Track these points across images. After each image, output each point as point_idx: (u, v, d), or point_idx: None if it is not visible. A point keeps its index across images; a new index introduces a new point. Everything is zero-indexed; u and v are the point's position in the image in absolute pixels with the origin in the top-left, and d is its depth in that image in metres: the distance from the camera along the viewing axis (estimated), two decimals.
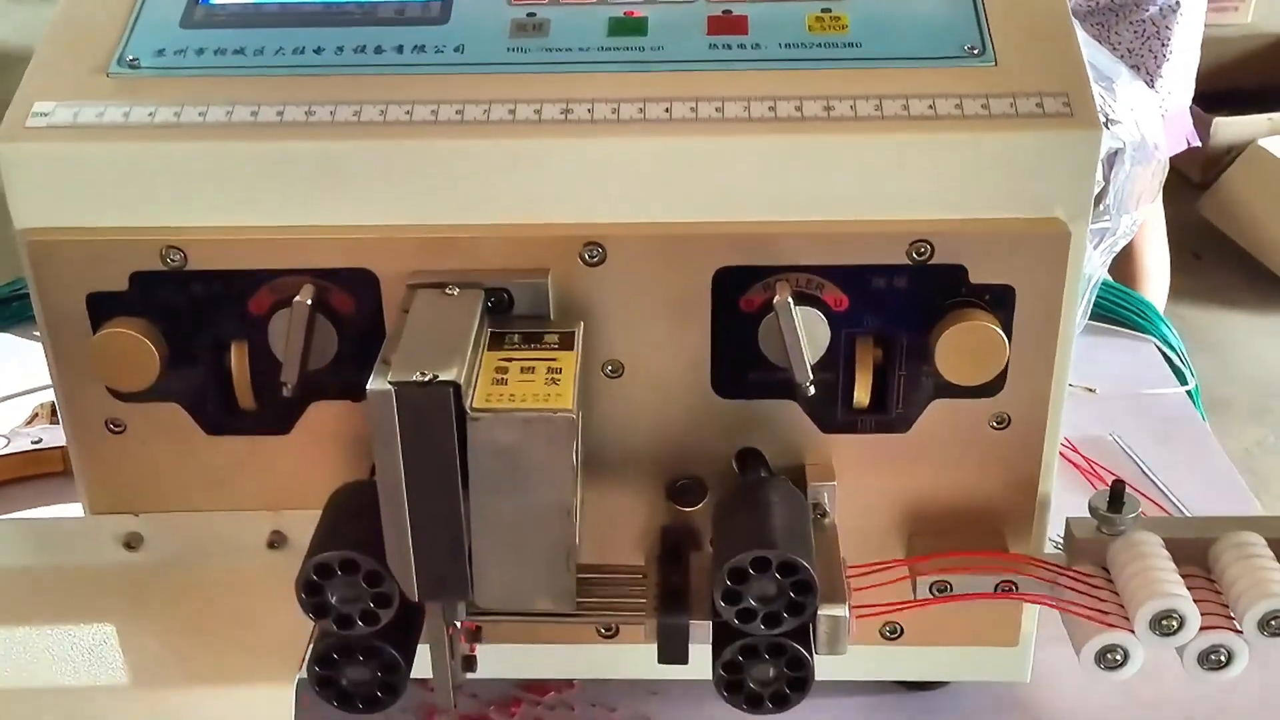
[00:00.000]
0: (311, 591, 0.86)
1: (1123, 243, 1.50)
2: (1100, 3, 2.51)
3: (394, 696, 0.90)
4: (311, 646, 0.89)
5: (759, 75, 0.90)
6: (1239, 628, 0.88)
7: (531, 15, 0.94)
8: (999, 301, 0.89)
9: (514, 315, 0.89)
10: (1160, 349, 1.57)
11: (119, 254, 0.90)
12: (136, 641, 0.95)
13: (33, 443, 1.35)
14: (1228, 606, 0.89)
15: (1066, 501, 0.97)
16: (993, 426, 0.93)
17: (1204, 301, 3.83)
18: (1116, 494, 0.92)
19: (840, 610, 0.87)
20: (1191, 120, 2.67)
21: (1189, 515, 1.27)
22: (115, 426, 0.95)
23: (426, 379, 0.78)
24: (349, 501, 0.90)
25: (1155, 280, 2.83)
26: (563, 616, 0.87)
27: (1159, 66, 2.54)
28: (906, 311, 0.90)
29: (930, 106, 0.88)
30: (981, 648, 1.03)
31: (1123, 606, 0.89)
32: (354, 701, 0.90)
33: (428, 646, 0.90)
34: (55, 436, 1.34)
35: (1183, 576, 0.89)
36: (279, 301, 0.90)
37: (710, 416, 0.94)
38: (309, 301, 0.88)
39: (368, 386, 0.78)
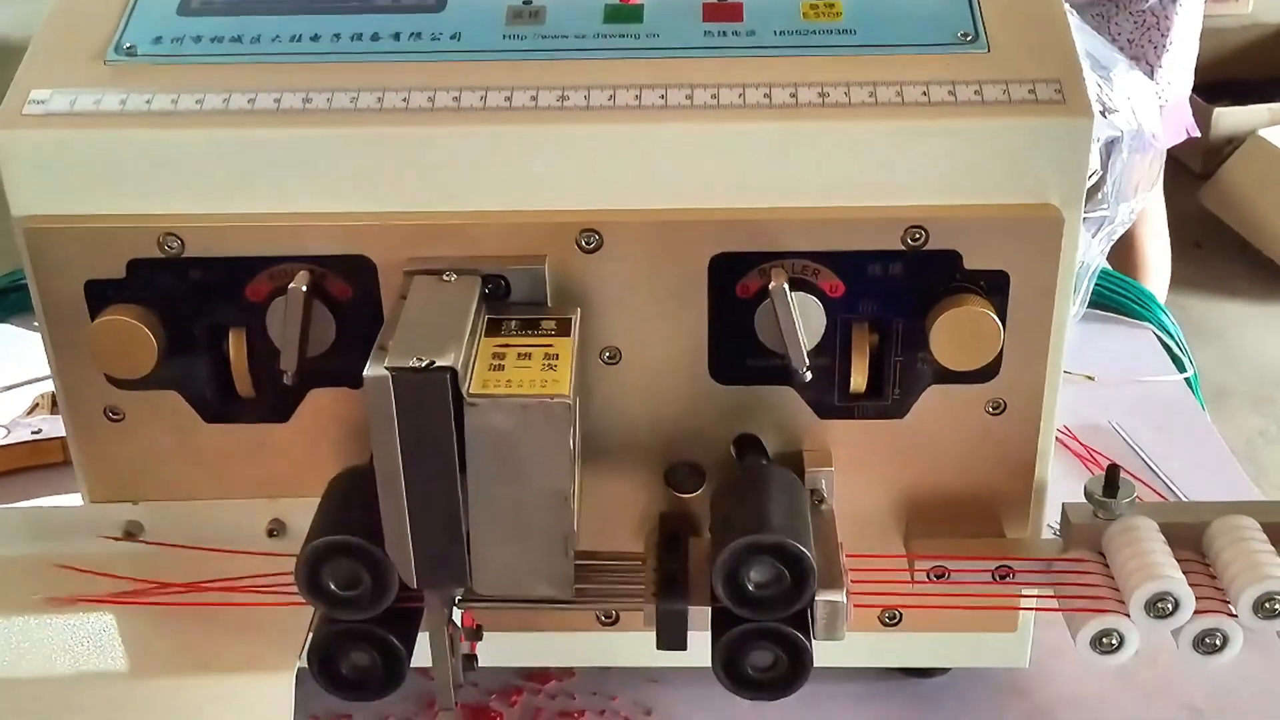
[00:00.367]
0: (310, 577, 0.86)
1: (1121, 231, 1.50)
2: None
3: (394, 684, 0.91)
4: (311, 634, 0.90)
5: (754, 62, 0.90)
6: (1234, 611, 0.88)
7: (528, 3, 0.94)
8: (993, 287, 0.89)
9: (511, 302, 0.89)
10: (1159, 336, 1.57)
11: (116, 241, 0.90)
12: (136, 630, 0.95)
13: (33, 433, 1.35)
14: (1223, 590, 0.89)
15: (1065, 489, 0.97)
16: (988, 412, 0.94)
17: (1205, 291, 3.84)
18: (1111, 479, 0.93)
19: (838, 596, 0.87)
20: (1191, 111, 2.67)
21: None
22: (114, 415, 0.95)
23: (423, 365, 0.78)
24: (348, 488, 0.90)
25: (1156, 270, 2.83)
26: (561, 603, 0.88)
27: (1159, 57, 2.54)
28: (902, 297, 0.90)
29: (924, 93, 0.88)
30: (980, 634, 1.03)
31: (1118, 591, 0.90)
32: (354, 689, 0.91)
33: (427, 635, 0.90)
34: (55, 427, 1.34)
35: (1178, 561, 0.90)
36: (277, 289, 0.90)
37: (708, 403, 0.94)
38: (304, 288, 0.88)
39: (365, 372, 0.78)
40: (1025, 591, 0.95)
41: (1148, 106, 1.41)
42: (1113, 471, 0.93)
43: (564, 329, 0.86)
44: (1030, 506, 0.97)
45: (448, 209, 0.89)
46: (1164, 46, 2.54)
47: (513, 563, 0.84)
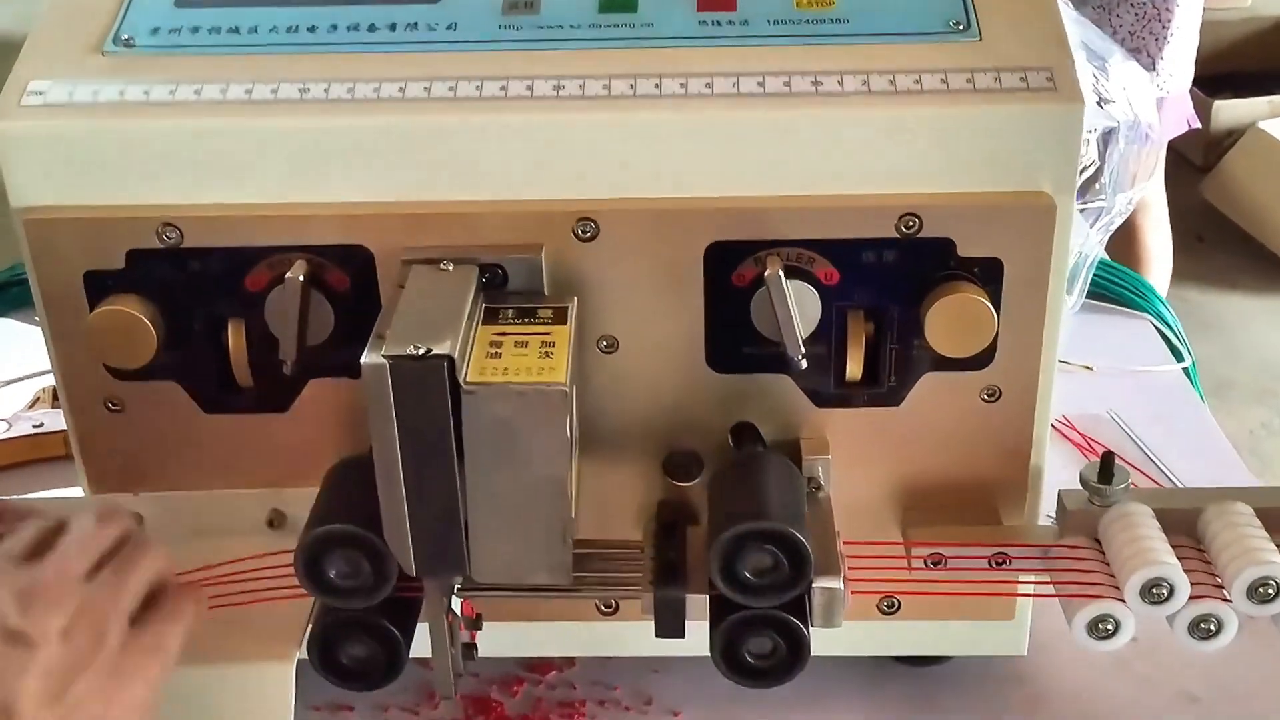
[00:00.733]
0: (310, 567, 0.86)
1: (1119, 221, 1.50)
2: None
3: (394, 674, 0.91)
4: (311, 624, 0.90)
5: (748, 51, 0.91)
6: (1228, 596, 0.89)
7: None
8: (987, 274, 0.90)
9: (508, 291, 0.89)
10: (1157, 327, 1.58)
11: (115, 232, 0.90)
12: None
13: (34, 427, 1.36)
14: (1217, 575, 0.90)
15: (1064, 478, 0.98)
16: (984, 399, 0.94)
17: (1207, 284, 3.83)
18: (1106, 465, 0.93)
19: (835, 583, 0.87)
20: (1191, 103, 2.67)
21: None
22: (114, 405, 0.96)
23: (421, 353, 0.79)
24: (347, 477, 0.91)
25: (1158, 263, 2.84)
26: (560, 591, 0.88)
27: (1159, 49, 2.54)
28: (896, 285, 0.90)
29: (916, 81, 0.88)
30: (978, 622, 1.03)
31: (1113, 577, 0.90)
32: (354, 678, 0.91)
33: (427, 625, 0.91)
34: (56, 421, 1.34)
35: (1173, 546, 0.90)
36: (275, 278, 0.91)
37: (705, 391, 0.94)
38: (301, 277, 0.89)
39: (362, 360, 0.79)
40: (1021, 578, 0.96)
41: (1144, 97, 1.42)
42: (1107, 458, 0.93)
43: (561, 317, 0.86)
44: (1026, 493, 0.98)
45: (445, 198, 0.90)
46: (1165, 39, 2.54)
47: (511, 551, 0.85)
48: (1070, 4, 1.47)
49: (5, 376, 1.47)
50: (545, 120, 0.88)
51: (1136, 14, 2.52)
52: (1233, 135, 4.16)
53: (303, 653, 0.91)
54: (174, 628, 0.83)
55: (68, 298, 0.92)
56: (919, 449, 0.96)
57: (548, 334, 0.84)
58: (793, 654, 0.88)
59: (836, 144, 0.88)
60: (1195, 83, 2.69)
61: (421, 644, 0.91)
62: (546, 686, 1.08)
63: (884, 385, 0.94)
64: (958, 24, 0.91)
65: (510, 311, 0.87)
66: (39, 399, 1.43)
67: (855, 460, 0.96)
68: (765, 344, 0.92)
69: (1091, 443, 1.33)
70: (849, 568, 0.90)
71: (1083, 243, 1.49)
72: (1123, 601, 0.89)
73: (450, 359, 0.79)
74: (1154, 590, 0.88)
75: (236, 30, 0.93)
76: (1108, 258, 1.61)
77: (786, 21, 0.92)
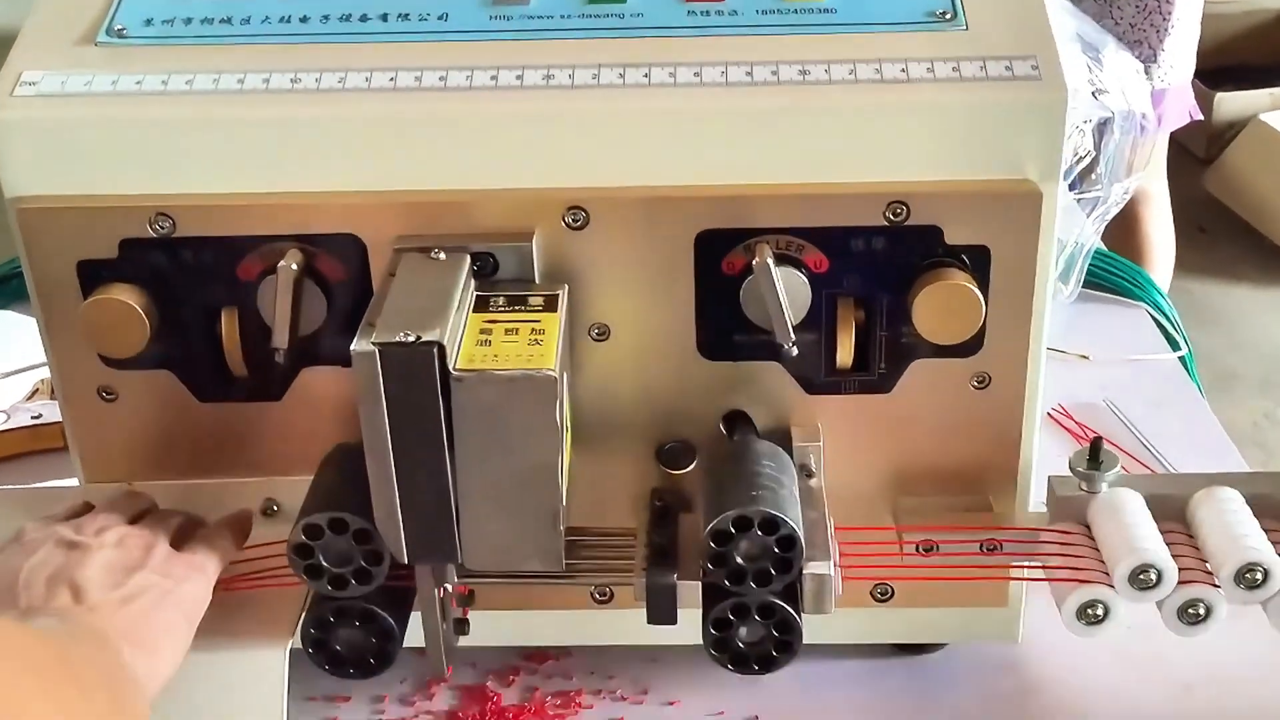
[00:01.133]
0: (303, 553, 0.87)
1: (1115, 211, 1.51)
2: None
3: (387, 662, 0.92)
4: (305, 611, 0.90)
5: (736, 41, 0.91)
6: (1217, 583, 0.89)
7: None
8: (975, 261, 0.90)
9: (499, 279, 0.90)
10: (1153, 316, 1.58)
11: (108, 221, 0.91)
12: None
13: (32, 418, 1.36)
14: (1206, 561, 0.90)
15: (1059, 467, 0.98)
16: (974, 386, 0.94)
17: (1210, 276, 3.83)
18: (1095, 451, 0.93)
19: (825, 568, 0.88)
20: (1193, 95, 2.67)
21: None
22: (107, 394, 0.96)
23: (411, 339, 0.79)
24: (339, 464, 0.92)
25: (1160, 255, 2.83)
26: (552, 577, 0.88)
27: (1160, 41, 2.54)
28: (885, 272, 0.91)
29: (903, 70, 0.89)
30: (971, 609, 1.04)
31: (1103, 562, 0.90)
32: (347, 666, 0.92)
33: (421, 614, 0.91)
34: (55, 412, 1.34)
35: (1163, 532, 0.90)
36: (268, 268, 0.91)
37: (696, 378, 0.95)
38: (294, 266, 0.89)
39: (352, 348, 0.79)
40: (1012, 564, 0.96)
41: (1137, 86, 1.42)
42: (1096, 444, 0.93)
43: (551, 305, 0.87)
44: (1017, 480, 0.98)
45: (436, 188, 0.90)
46: (1165, 31, 2.53)
47: (503, 537, 0.85)
48: None
49: (4, 368, 1.47)
50: (535, 110, 0.89)
51: (1137, 6, 2.51)
52: (1235, 127, 4.15)
53: (298, 642, 0.91)
54: (212, 556, 0.91)
55: (61, 287, 0.92)
56: (910, 435, 0.97)
57: (538, 321, 0.85)
58: (784, 641, 0.89)
59: (824, 133, 0.89)
60: (1197, 75, 2.68)
61: (416, 635, 0.92)
62: (543, 676, 1.08)
63: (874, 372, 0.94)
64: (944, 14, 0.92)
65: (501, 299, 0.87)
66: (37, 390, 1.43)
67: (846, 447, 0.97)
68: (756, 331, 0.92)
69: (1087, 431, 1.33)
70: (841, 554, 0.90)
71: (1079, 232, 1.49)
72: (1111, 587, 0.89)
73: (440, 346, 0.79)
74: (1142, 576, 0.88)
75: (228, 21, 0.94)
76: (1104, 247, 1.61)
77: (774, 11, 0.93)
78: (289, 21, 0.93)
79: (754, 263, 0.89)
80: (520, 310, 0.86)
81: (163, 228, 0.90)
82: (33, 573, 0.85)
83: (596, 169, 0.89)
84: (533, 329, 0.84)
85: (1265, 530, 0.90)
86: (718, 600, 0.88)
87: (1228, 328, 3.65)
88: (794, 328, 0.90)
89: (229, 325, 0.93)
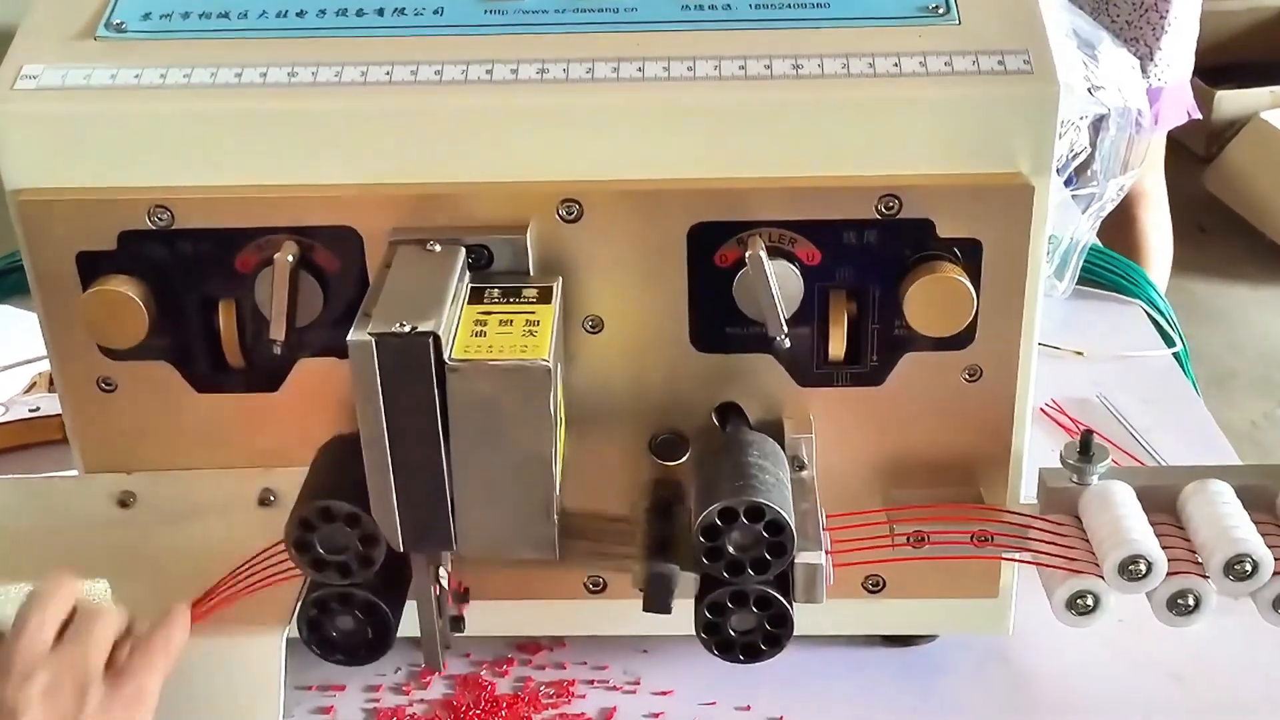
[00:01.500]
0: (300, 542, 0.88)
1: (1110, 207, 1.51)
2: None
3: (382, 649, 0.92)
4: (301, 599, 0.91)
5: (729, 35, 0.92)
6: (1206, 573, 0.90)
7: None
8: (966, 254, 0.91)
9: (494, 271, 0.90)
10: (1148, 312, 1.58)
11: (107, 213, 0.91)
12: (129, 597, 0.96)
13: (30, 411, 1.37)
14: (1196, 553, 0.91)
15: (1052, 462, 0.98)
16: (965, 379, 0.95)
17: (1209, 274, 3.82)
18: (1086, 443, 0.94)
19: (816, 557, 0.88)
20: (1192, 93, 2.67)
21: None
22: (106, 385, 0.97)
23: (406, 330, 0.80)
24: (336, 454, 0.92)
25: (1158, 254, 2.83)
26: (546, 564, 0.89)
27: (1158, 39, 2.54)
28: (877, 265, 0.91)
29: (895, 64, 0.89)
30: (962, 600, 1.04)
31: (1093, 554, 0.91)
32: (342, 653, 0.92)
33: (416, 603, 0.92)
34: (52, 405, 1.35)
35: (1153, 524, 0.91)
36: (265, 260, 0.92)
37: (689, 370, 0.95)
38: (290, 258, 0.90)
39: (348, 338, 0.80)
40: (1003, 554, 0.96)
41: (1133, 82, 1.42)
42: (1087, 436, 0.94)
43: (545, 296, 0.88)
44: (1008, 472, 0.99)
45: (431, 180, 0.91)
46: (1162, 29, 2.53)
47: (497, 526, 0.86)
48: None
49: (2, 362, 1.47)
50: (530, 103, 0.89)
51: (1134, 4, 2.51)
52: (1235, 126, 4.15)
53: (294, 630, 0.92)
54: (151, 677, 0.85)
55: (61, 278, 0.93)
56: (901, 427, 0.97)
57: (532, 313, 0.86)
58: (776, 630, 0.89)
59: (817, 126, 0.89)
60: (1197, 73, 2.68)
61: (411, 623, 0.93)
62: (536, 666, 1.09)
63: (866, 364, 0.95)
64: (936, 8, 0.92)
65: (495, 291, 0.88)
66: (35, 384, 1.43)
67: (838, 439, 0.97)
68: (748, 324, 0.93)
69: (1081, 426, 1.33)
70: (833, 544, 0.91)
71: (1074, 228, 1.49)
72: (1101, 578, 0.89)
73: (435, 336, 0.80)
74: (1131, 567, 0.89)
75: (226, 15, 0.94)
76: (1099, 243, 1.62)
77: (768, 5, 0.93)
78: (286, 16, 0.94)
79: (747, 255, 0.90)
80: (515, 302, 0.87)
81: (161, 220, 0.91)
82: None
83: (591, 162, 0.90)
84: (527, 320, 0.85)
85: (1255, 522, 0.91)
86: (710, 589, 0.88)
87: (1227, 327, 3.64)
88: (786, 320, 0.91)
89: (227, 317, 0.94)
